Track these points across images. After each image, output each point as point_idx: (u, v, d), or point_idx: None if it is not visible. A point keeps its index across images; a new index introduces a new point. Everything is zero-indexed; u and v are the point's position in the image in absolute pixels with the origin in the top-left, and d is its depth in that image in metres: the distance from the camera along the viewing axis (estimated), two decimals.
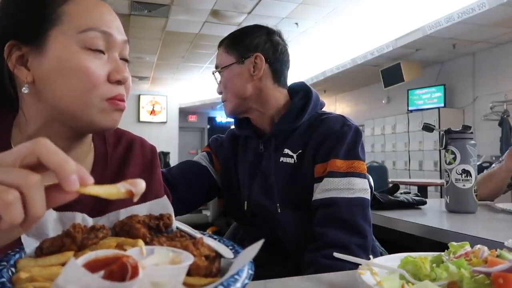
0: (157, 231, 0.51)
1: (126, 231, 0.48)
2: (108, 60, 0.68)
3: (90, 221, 0.57)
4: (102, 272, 0.34)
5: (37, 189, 0.39)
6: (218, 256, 0.46)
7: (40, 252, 0.44)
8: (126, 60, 0.73)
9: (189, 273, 0.40)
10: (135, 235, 0.47)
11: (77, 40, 0.65)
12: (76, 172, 0.40)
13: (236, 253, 0.48)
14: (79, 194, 0.40)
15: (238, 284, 0.39)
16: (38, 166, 0.40)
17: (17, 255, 0.44)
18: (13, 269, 0.41)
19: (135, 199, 0.43)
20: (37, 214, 0.39)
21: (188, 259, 0.40)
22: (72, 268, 0.32)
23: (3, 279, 0.37)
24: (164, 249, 0.42)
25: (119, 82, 0.68)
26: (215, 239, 0.51)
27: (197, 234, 0.53)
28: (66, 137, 0.69)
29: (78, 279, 0.32)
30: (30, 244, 0.47)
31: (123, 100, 0.69)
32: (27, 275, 0.38)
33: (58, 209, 0.54)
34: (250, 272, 0.42)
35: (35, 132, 0.69)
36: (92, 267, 0.34)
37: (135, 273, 0.33)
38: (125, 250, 0.41)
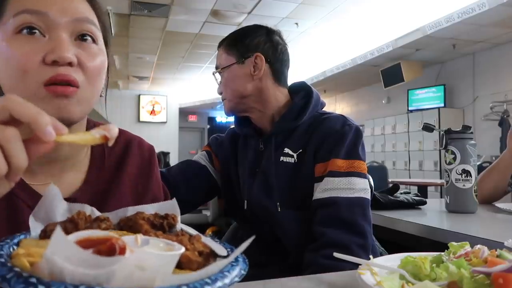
0: (160, 229, 0.51)
1: (129, 226, 0.48)
2: (47, 41, 0.62)
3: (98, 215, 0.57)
4: (90, 250, 0.34)
5: (16, 141, 0.40)
6: (213, 254, 0.46)
7: (44, 234, 0.45)
8: (87, 40, 0.66)
9: (180, 266, 0.40)
10: (138, 230, 0.47)
11: (9, 27, 0.61)
12: (51, 123, 0.41)
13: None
14: (56, 143, 0.42)
15: (227, 280, 0.39)
16: (11, 122, 0.41)
17: (22, 236, 0.46)
18: (15, 247, 0.43)
19: (110, 144, 0.46)
20: (20, 165, 0.41)
21: (179, 249, 0.40)
22: (57, 239, 0.33)
23: (2, 252, 0.39)
24: (159, 241, 0.42)
25: (55, 63, 0.61)
26: (216, 241, 0.51)
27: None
28: None
29: (63, 250, 0.33)
30: (36, 228, 0.48)
31: (67, 83, 0.61)
32: (24, 251, 0.39)
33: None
34: (243, 272, 0.42)
35: None
36: (84, 246, 0.35)
37: (122, 254, 0.34)
38: None
